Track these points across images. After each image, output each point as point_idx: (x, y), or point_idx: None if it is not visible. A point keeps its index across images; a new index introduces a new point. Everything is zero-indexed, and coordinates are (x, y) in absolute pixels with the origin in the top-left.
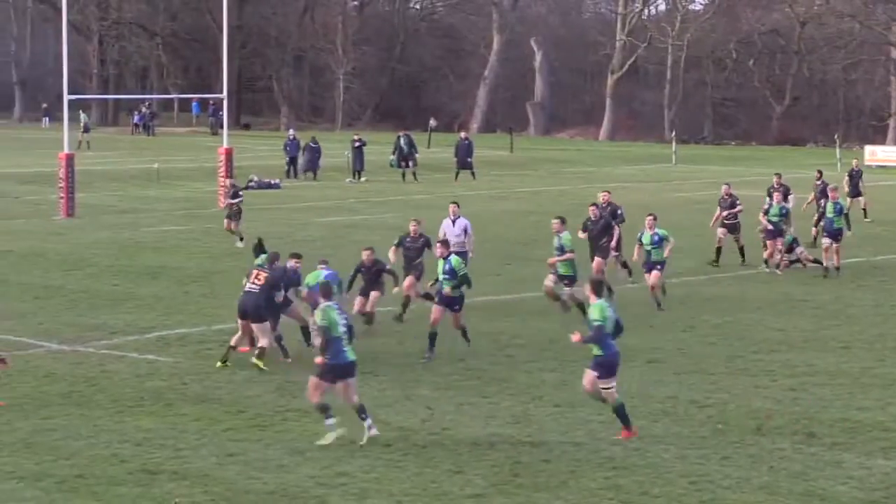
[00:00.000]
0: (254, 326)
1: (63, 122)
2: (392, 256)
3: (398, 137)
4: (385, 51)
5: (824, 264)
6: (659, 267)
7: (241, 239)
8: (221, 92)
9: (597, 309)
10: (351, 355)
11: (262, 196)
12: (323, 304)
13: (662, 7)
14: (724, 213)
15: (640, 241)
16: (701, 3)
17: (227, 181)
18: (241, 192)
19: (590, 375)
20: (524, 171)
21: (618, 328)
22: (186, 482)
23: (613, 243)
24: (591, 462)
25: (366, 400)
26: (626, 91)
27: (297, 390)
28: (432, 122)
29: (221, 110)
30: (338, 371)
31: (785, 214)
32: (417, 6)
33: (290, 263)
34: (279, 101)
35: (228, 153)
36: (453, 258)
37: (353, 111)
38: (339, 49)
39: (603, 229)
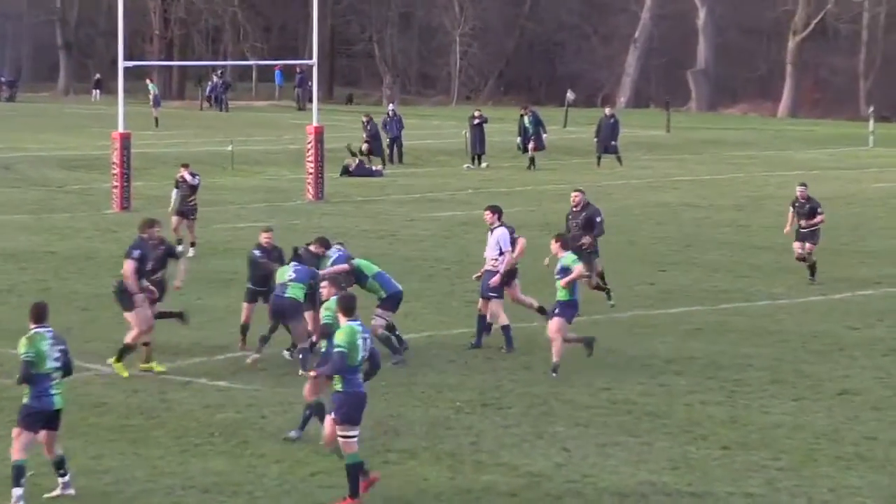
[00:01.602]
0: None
1: (118, 94)
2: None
3: (521, 116)
4: (512, 6)
5: None
6: (567, 311)
7: (193, 245)
8: (310, 58)
9: (344, 332)
10: (59, 402)
11: (361, 185)
12: (32, 329)
13: None
14: (803, 223)
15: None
16: None
17: (185, 172)
18: (197, 176)
19: (329, 421)
20: (683, 154)
21: (373, 364)
22: None
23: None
24: None
25: (488, 438)
26: (811, 56)
27: (402, 426)
28: (570, 96)
29: (310, 80)
30: (42, 418)
31: None
32: None
33: (314, 248)
34: (381, 69)
35: (318, 133)
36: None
37: (472, 81)
38: (456, 5)
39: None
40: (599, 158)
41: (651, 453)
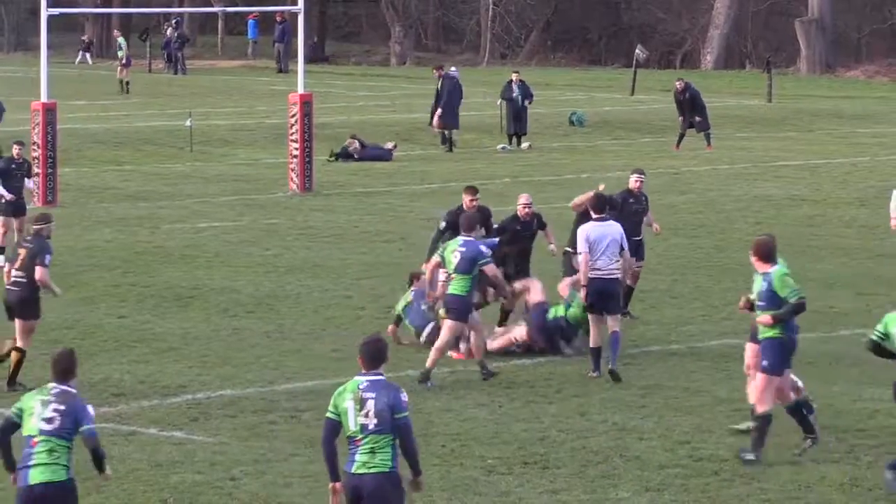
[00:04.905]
0: (18, 325)
1: (41, 50)
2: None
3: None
4: None
5: None
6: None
7: (2, 252)
8: (295, 3)
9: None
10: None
11: (362, 173)
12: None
13: None
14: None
15: None
16: None
17: (15, 147)
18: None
19: None
20: (790, 131)
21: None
22: None
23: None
24: None
25: None
26: None
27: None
28: (640, 53)
29: (294, 32)
30: None
31: None
32: None
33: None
34: (389, 19)
35: (305, 102)
36: None
37: (509, 34)
38: None
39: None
40: (682, 137)
41: None
